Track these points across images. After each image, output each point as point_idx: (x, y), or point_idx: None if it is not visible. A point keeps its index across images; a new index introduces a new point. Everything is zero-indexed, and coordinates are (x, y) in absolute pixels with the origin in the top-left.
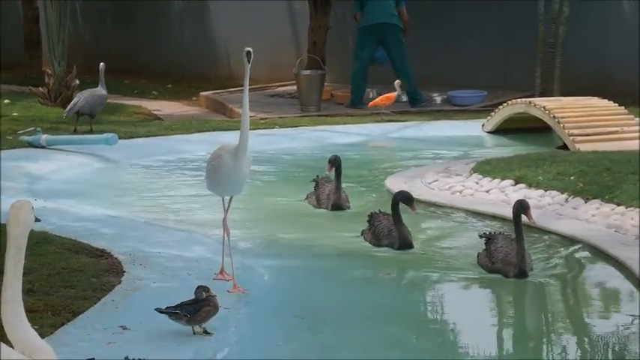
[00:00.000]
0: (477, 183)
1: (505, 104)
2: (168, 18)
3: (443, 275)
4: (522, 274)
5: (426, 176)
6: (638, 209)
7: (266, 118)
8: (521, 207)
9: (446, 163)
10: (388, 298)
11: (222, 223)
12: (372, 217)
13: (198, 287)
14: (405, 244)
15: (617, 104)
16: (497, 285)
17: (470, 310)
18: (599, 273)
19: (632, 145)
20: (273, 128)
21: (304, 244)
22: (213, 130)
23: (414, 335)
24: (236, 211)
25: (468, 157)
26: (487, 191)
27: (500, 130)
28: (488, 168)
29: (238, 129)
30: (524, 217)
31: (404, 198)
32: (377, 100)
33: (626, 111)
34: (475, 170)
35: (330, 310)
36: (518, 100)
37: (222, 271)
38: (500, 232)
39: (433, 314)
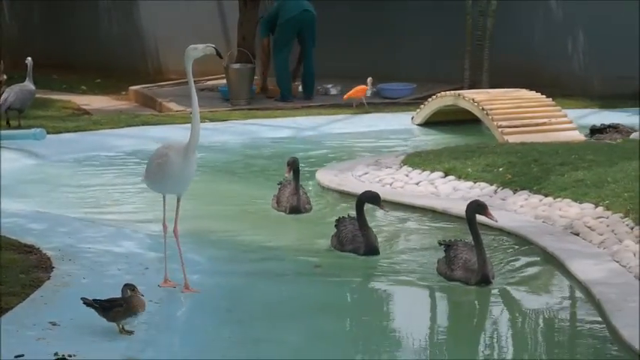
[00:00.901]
0: (407, 175)
1: (434, 97)
2: (96, 12)
3: (379, 269)
4: (485, 280)
5: (356, 169)
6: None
7: None
8: (478, 207)
9: (376, 156)
10: (323, 295)
11: (163, 225)
12: (338, 222)
13: (125, 285)
14: (371, 250)
15: (544, 96)
16: (456, 289)
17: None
18: (544, 268)
19: (559, 137)
20: (203, 122)
21: (240, 241)
22: (143, 125)
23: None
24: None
25: (398, 149)
26: (417, 183)
27: (429, 123)
28: (417, 160)
29: (168, 123)
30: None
31: (370, 198)
32: (351, 92)
33: (553, 103)
34: (405, 162)
35: (261, 305)
36: (447, 92)
37: (166, 280)
38: (460, 240)
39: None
